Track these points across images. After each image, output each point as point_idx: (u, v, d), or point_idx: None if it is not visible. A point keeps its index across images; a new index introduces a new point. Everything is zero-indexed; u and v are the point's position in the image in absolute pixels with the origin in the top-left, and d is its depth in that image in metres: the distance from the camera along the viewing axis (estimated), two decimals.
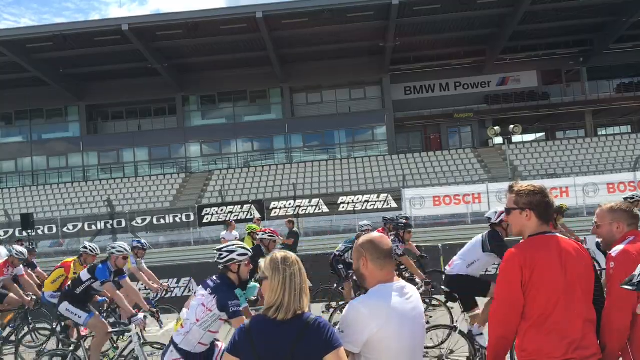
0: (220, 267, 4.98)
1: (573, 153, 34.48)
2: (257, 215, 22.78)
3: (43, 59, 34.87)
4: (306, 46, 35.20)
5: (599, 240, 3.69)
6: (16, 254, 9.67)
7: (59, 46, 32.87)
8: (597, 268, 3.72)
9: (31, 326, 9.52)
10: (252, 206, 27.05)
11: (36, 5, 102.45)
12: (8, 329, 10.11)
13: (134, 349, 6.94)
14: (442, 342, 7.26)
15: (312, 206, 27.77)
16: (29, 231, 23.62)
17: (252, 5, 31.78)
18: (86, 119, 39.96)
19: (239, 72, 37.53)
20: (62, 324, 8.84)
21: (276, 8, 31.59)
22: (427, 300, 9.33)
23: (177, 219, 28.47)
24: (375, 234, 3.04)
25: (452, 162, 34.62)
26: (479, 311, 6.90)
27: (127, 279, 8.20)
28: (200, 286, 4.93)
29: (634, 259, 3.20)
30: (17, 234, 27.05)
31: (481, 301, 7.02)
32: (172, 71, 36.96)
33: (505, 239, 6.98)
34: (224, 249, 4.99)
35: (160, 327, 8.28)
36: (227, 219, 21.44)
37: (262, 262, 2.84)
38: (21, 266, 9.98)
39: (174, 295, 13.10)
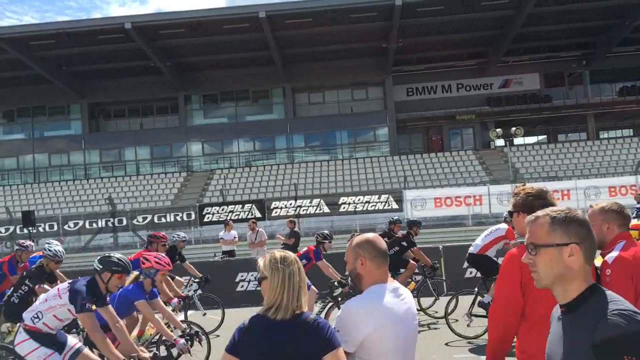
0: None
1: (575, 156, 34.46)
2: (258, 214, 22.77)
3: (45, 57, 34.92)
4: (309, 46, 35.21)
5: None
6: None
7: (62, 44, 32.91)
8: None
9: None
10: (253, 206, 27.06)
11: (38, 3, 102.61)
12: None
13: None
14: None
15: (313, 206, 27.76)
16: (30, 228, 23.64)
17: (255, 5, 31.79)
18: (88, 117, 40.00)
19: (241, 71, 37.55)
20: None
21: (279, 8, 31.61)
22: None
23: (178, 218, 28.50)
24: (369, 234, 3.05)
25: (454, 164, 34.62)
26: None
27: None
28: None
29: (630, 265, 3.19)
30: (18, 231, 27.09)
31: None
32: (174, 70, 36.99)
33: None
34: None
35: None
36: (228, 218, 21.39)
37: (261, 262, 2.84)
38: None
39: None
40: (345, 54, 36.55)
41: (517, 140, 36.63)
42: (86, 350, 5.50)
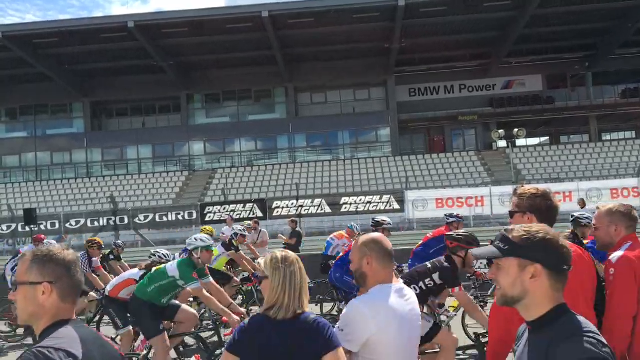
0: None
1: (577, 158, 34.41)
2: (260, 213, 22.73)
3: (48, 55, 34.95)
4: (311, 46, 35.20)
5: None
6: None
7: (65, 42, 32.94)
8: None
9: None
10: (255, 205, 27.04)
11: (40, 2, 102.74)
12: None
13: None
14: None
15: (314, 206, 27.72)
16: (32, 226, 23.65)
17: (258, 4, 31.78)
18: (90, 115, 40.04)
19: (243, 71, 37.55)
20: None
21: (282, 8, 31.59)
22: None
23: (180, 217, 28.47)
24: (376, 234, 3.05)
25: (456, 165, 34.60)
26: None
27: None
28: None
29: (634, 266, 3.18)
30: (19, 228, 27.12)
31: None
32: (176, 69, 36.99)
33: None
34: None
35: None
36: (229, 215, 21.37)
37: (262, 262, 2.84)
38: None
39: None
40: (347, 54, 36.53)
41: (519, 142, 36.56)
42: None
